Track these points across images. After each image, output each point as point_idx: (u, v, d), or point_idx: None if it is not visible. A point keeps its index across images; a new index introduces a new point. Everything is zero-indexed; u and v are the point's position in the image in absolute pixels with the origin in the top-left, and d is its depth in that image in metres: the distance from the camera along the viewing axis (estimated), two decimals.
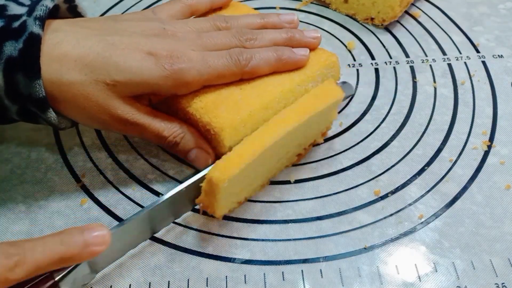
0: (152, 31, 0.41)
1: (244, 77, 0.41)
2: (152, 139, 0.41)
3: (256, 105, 0.40)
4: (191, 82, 0.39)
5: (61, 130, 0.41)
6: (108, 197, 0.44)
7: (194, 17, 0.47)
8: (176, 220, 0.42)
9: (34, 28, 0.36)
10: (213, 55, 0.40)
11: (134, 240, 0.39)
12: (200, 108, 0.40)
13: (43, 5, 0.38)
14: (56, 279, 0.32)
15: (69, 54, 0.37)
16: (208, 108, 0.40)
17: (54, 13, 0.41)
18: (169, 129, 0.41)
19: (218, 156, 0.41)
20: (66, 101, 0.38)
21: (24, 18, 0.37)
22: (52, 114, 0.38)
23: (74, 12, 0.42)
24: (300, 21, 0.60)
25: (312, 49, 0.44)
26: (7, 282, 0.29)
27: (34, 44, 0.36)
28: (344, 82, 0.49)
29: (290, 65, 0.43)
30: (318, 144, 0.47)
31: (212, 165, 0.37)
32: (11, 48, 0.36)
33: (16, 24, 0.37)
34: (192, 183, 0.39)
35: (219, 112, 0.40)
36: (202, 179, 0.38)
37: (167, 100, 0.42)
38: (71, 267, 0.33)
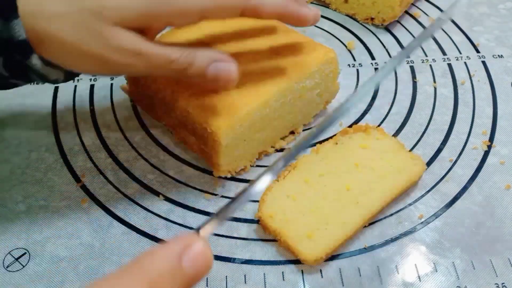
0: None
1: (245, 14, 0.37)
2: (160, 67, 0.35)
3: (253, 104, 0.40)
4: (186, 9, 0.35)
5: (54, 84, 0.36)
6: (108, 197, 0.44)
7: None
8: (176, 220, 0.42)
9: None
10: None
11: None
12: (197, 106, 0.40)
13: None
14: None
15: None
16: (205, 106, 0.40)
17: None
18: (178, 50, 0.35)
19: (213, 161, 0.42)
20: (53, 39, 0.34)
21: None
22: (37, 61, 0.35)
23: None
24: None
25: (308, 23, 0.40)
26: None
27: None
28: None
29: (294, 18, 0.39)
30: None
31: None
32: None
33: None
34: None
35: (215, 111, 0.40)
36: None
37: (164, 100, 0.42)
38: None
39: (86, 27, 0.34)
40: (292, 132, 0.48)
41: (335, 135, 0.45)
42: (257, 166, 0.46)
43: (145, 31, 0.37)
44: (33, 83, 0.40)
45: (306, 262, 0.38)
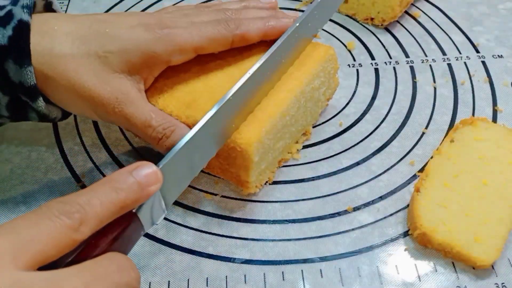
0: (138, 13, 0.42)
1: (234, 44, 0.41)
2: (138, 128, 0.38)
3: (275, 115, 0.40)
4: (183, 45, 0.39)
5: (52, 122, 0.40)
6: None
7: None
8: (176, 220, 0.42)
9: (23, 15, 0.36)
10: (203, 22, 0.41)
11: (191, 168, 0.37)
12: (192, 115, 0.39)
13: None
14: (134, 210, 0.30)
15: (59, 28, 0.37)
16: (201, 113, 0.39)
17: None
18: (159, 120, 0.38)
19: (241, 179, 0.41)
20: (56, 79, 0.37)
21: (9, 7, 0.37)
22: (42, 103, 0.37)
23: (50, 11, 0.42)
24: None
25: None
26: (75, 243, 0.27)
27: (24, 30, 0.36)
28: None
29: (277, 29, 0.42)
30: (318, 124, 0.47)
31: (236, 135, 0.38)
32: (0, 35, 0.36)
33: (2, 13, 0.36)
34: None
35: (241, 127, 0.39)
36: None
37: None
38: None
39: (90, 70, 0.37)
40: (303, 134, 0.48)
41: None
42: None
43: (145, 78, 0.40)
44: None
45: (483, 266, 0.37)
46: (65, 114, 0.41)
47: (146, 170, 0.30)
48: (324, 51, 0.44)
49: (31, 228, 0.26)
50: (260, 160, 0.40)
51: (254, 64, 0.39)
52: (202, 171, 0.45)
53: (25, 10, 0.36)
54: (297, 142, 0.47)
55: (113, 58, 0.37)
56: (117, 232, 0.29)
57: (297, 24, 0.42)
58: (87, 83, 0.37)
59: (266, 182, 0.44)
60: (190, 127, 0.39)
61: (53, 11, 0.42)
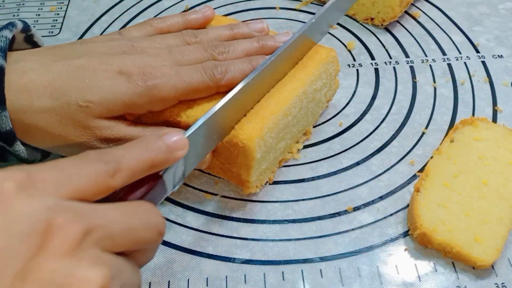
0: (120, 48, 0.40)
1: (220, 90, 0.40)
2: None
3: (278, 113, 0.40)
4: (167, 98, 0.38)
5: (31, 163, 0.39)
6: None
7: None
8: (176, 220, 0.42)
9: None
10: (187, 69, 0.39)
11: (207, 143, 0.38)
12: (192, 115, 0.39)
13: (2, 36, 0.37)
14: (161, 173, 0.32)
15: (37, 81, 0.36)
16: (202, 113, 0.39)
17: (10, 44, 0.39)
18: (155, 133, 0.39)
19: (241, 179, 0.41)
20: (40, 130, 0.37)
21: None
22: (20, 147, 0.36)
23: (30, 42, 0.41)
24: (300, 21, 0.60)
25: None
26: (109, 189, 0.28)
27: None
28: None
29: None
30: (319, 125, 0.47)
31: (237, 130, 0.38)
32: None
33: None
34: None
35: (242, 125, 0.39)
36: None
37: (144, 119, 0.41)
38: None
39: (72, 120, 0.37)
40: (304, 133, 0.48)
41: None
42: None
43: (126, 114, 0.39)
44: None
45: (483, 266, 0.37)
46: (45, 154, 0.41)
47: (175, 136, 0.32)
48: (326, 53, 0.44)
49: (73, 167, 0.27)
50: (261, 159, 0.40)
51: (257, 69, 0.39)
52: (202, 171, 0.45)
53: None
54: (297, 142, 0.47)
55: (95, 107, 0.37)
56: (145, 190, 0.31)
57: (301, 33, 0.42)
58: (73, 134, 0.37)
59: (267, 182, 0.44)
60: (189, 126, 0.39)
61: (35, 42, 0.41)
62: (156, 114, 0.40)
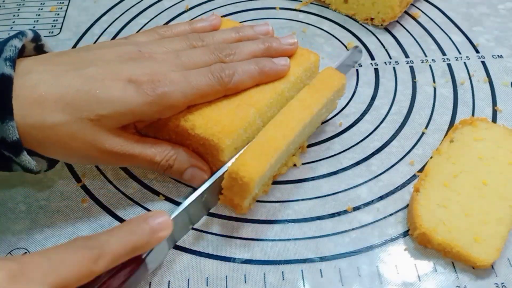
0: (128, 55, 0.40)
1: (227, 93, 0.41)
2: (145, 166, 0.40)
3: (282, 147, 0.39)
4: (176, 105, 0.39)
5: (35, 174, 0.38)
6: (108, 197, 0.44)
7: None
8: None
9: (5, 69, 0.35)
10: (195, 74, 0.39)
11: (195, 217, 0.41)
12: (190, 119, 0.40)
13: (11, 45, 0.36)
14: (143, 257, 0.35)
15: (48, 95, 0.36)
16: (199, 118, 0.40)
17: (20, 53, 0.39)
18: (161, 153, 0.40)
19: (234, 203, 0.41)
20: (52, 144, 0.37)
21: None
22: (26, 157, 0.36)
23: (40, 52, 0.41)
24: (300, 21, 0.60)
25: (290, 55, 0.44)
26: (92, 274, 0.30)
27: (6, 85, 0.35)
28: (356, 47, 0.53)
29: (273, 76, 0.42)
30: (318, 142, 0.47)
31: (235, 162, 0.38)
32: None
33: None
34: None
35: (245, 159, 0.38)
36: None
37: (154, 124, 0.41)
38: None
39: (83, 134, 0.37)
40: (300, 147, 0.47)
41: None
42: None
43: (136, 125, 0.41)
44: None
45: (483, 266, 0.37)
46: (50, 165, 0.40)
47: (159, 218, 0.35)
48: (338, 80, 0.44)
49: (60, 254, 0.30)
50: (257, 188, 0.40)
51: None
52: None
53: (7, 63, 0.35)
54: (294, 155, 0.46)
55: (106, 120, 0.37)
56: (127, 275, 0.33)
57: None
58: (83, 147, 0.37)
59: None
60: (188, 130, 0.39)
61: (45, 52, 0.41)
62: (161, 125, 0.41)
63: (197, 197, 0.39)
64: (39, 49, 0.41)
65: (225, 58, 0.42)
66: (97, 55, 0.40)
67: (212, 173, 0.40)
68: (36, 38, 0.40)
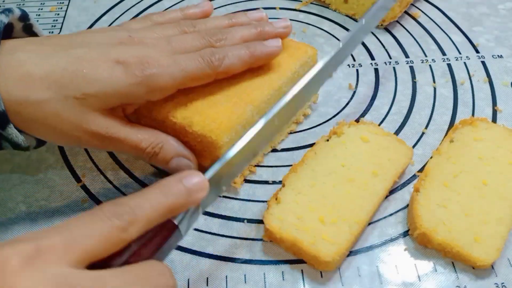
0: (118, 39, 0.40)
1: (218, 77, 0.40)
2: (130, 152, 0.39)
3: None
4: (165, 87, 0.38)
5: (26, 150, 0.38)
6: (108, 197, 0.44)
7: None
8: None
9: None
10: (184, 57, 0.39)
11: (227, 179, 0.37)
12: (188, 117, 0.40)
13: None
14: (176, 222, 0.31)
15: (34, 73, 0.36)
16: (196, 115, 0.40)
17: (8, 33, 0.39)
18: (147, 139, 0.39)
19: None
20: (37, 122, 0.36)
21: None
22: (13, 130, 0.36)
23: (29, 32, 0.41)
24: (300, 21, 0.60)
25: (283, 38, 0.44)
26: (122, 243, 0.28)
27: None
28: None
29: (264, 59, 0.42)
30: None
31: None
32: None
33: None
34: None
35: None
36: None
37: (152, 120, 0.41)
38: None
39: (69, 113, 0.36)
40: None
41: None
42: (262, 166, 0.46)
43: (125, 108, 0.40)
44: None
45: (483, 266, 0.37)
46: (41, 142, 0.40)
47: (195, 178, 0.32)
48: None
49: (83, 227, 0.27)
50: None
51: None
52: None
53: None
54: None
55: (92, 100, 0.36)
56: (160, 242, 0.31)
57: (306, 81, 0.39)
58: (69, 127, 0.37)
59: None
60: (186, 127, 0.39)
61: (34, 33, 0.41)
62: (152, 114, 0.41)
63: (232, 157, 0.35)
64: (28, 29, 0.40)
65: (216, 43, 0.41)
66: (87, 38, 0.40)
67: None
68: (24, 16, 0.40)
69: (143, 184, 0.45)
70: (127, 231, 0.28)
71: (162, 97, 0.39)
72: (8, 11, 0.38)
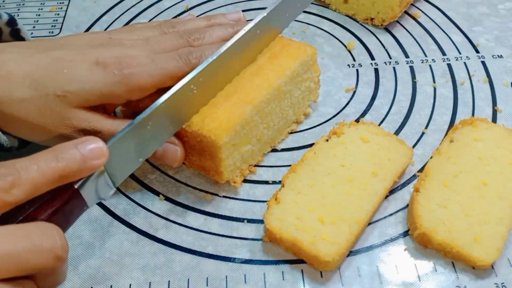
0: (98, 40, 0.41)
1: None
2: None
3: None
4: (143, 86, 0.39)
5: (7, 152, 0.38)
6: None
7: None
8: (176, 220, 0.42)
9: None
10: (163, 56, 0.40)
11: (143, 147, 0.37)
12: (191, 120, 0.40)
13: None
14: (76, 186, 0.31)
15: (15, 72, 0.36)
16: (196, 115, 0.40)
17: None
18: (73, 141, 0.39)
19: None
20: (19, 120, 0.37)
21: None
22: None
23: (17, 37, 0.41)
24: (300, 21, 0.60)
25: None
26: (6, 205, 0.27)
27: None
28: None
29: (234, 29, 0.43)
30: None
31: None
32: None
33: None
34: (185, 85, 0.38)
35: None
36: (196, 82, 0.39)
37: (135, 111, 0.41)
38: (87, 176, 0.32)
39: (50, 110, 0.37)
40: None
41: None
42: (262, 166, 0.46)
43: (105, 107, 0.40)
44: None
45: (483, 266, 0.37)
46: (24, 143, 0.40)
47: (91, 144, 0.31)
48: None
49: None
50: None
51: (217, 50, 0.40)
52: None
53: None
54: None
55: (72, 97, 0.37)
56: (57, 206, 0.30)
57: (264, 15, 0.42)
58: (51, 125, 0.37)
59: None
60: (185, 128, 0.40)
61: (22, 38, 0.41)
62: (134, 107, 0.41)
63: (143, 118, 0.36)
64: (16, 34, 0.41)
65: (194, 42, 0.42)
66: (69, 41, 0.41)
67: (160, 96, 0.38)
68: (12, 21, 0.41)
69: (142, 184, 0.45)
70: (10, 193, 0.27)
71: (142, 97, 0.40)
72: None
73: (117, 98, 0.39)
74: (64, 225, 0.31)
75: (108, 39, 0.41)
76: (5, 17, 0.40)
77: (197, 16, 0.48)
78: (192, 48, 0.41)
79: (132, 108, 0.42)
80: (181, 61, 0.40)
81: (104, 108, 0.40)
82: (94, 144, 0.31)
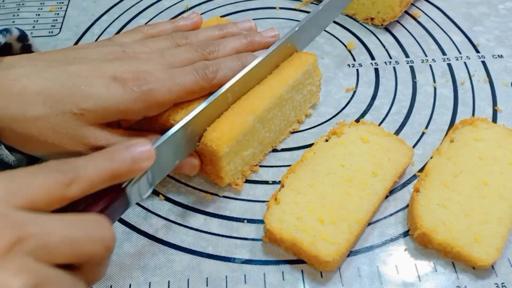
0: (113, 55, 0.40)
1: (213, 90, 0.40)
2: None
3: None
4: (162, 102, 0.38)
5: (13, 168, 0.38)
6: None
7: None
8: (176, 220, 0.42)
9: None
10: (180, 71, 0.39)
11: (180, 150, 0.38)
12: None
13: None
14: (123, 186, 0.32)
15: (29, 88, 0.36)
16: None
17: (7, 52, 0.39)
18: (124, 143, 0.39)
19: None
20: (31, 138, 0.36)
21: None
22: (4, 151, 0.36)
23: (28, 53, 0.41)
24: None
25: None
26: (65, 199, 0.28)
27: None
28: None
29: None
30: None
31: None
32: None
33: None
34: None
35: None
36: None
37: (153, 129, 0.41)
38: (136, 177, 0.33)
39: (66, 128, 0.36)
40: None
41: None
42: (262, 166, 0.46)
43: (121, 121, 0.40)
44: None
45: (483, 266, 0.37)
46: (32, 160, 0.40)
47: (141, 147, 0.32)
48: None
49: (26, 177, 0.27)
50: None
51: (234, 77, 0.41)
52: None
53: None
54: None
55: (90, 115, 0.37)
56: (105, 203, 0.31)
57: (289, 35, 0.43)
58: (67, 143, 0.37)
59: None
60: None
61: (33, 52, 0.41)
62: (152, 120, 0.40)
63: (181, 127, 0.37)
64: (27, 50, 0.41)
65: (209, 55, 0.42)
66: (81, 53, 0.40)
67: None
68: (23, 37, 0.40)
69: None
70: (69, 188, 0.28)
71: (158, 113, 0.39)
72: (6, 31, 0.38)
73: (135, 114, 0.38)
74: (111, 222, 0.32)
75: (123, 53, 0.40)
76: (16, 33, 0.39)
77: (201, 14, 0.48)
78: (208, 62, 0.41)
79: (146, 125, 0.41)
80: (198, 76, 0.39)
81: (118, 124, 0.40)
82: (144, 147, 0.32)
